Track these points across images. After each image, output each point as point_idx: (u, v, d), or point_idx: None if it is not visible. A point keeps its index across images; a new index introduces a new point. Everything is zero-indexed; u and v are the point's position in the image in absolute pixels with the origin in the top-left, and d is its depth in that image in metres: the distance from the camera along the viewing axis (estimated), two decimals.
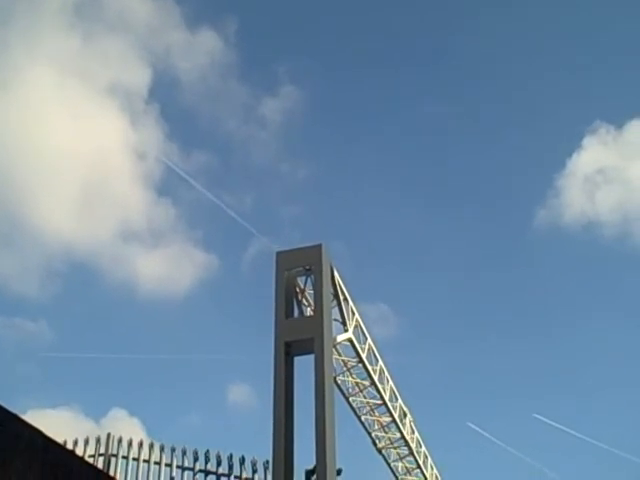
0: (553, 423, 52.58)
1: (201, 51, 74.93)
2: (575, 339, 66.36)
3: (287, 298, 19.20)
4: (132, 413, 53.29)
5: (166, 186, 73.00)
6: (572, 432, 52.72)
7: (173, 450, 24.78)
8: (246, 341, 66.62)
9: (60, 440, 17.29)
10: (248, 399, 64.95)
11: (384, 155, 78.53)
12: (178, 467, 24.54)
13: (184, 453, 24.78)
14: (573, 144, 79.97)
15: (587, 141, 70.70)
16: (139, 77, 68.82)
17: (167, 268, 72.42)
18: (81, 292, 69.48)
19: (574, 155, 74.91)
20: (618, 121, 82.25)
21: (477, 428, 44.56)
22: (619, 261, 71.31)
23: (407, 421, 28.38)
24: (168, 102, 75.84)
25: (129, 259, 69.49)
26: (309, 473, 19.07)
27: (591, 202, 71.14)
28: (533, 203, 79.59)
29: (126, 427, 47.80)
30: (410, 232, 76.46)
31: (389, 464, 29.71)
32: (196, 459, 24.57)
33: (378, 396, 25.10)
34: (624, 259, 70.36)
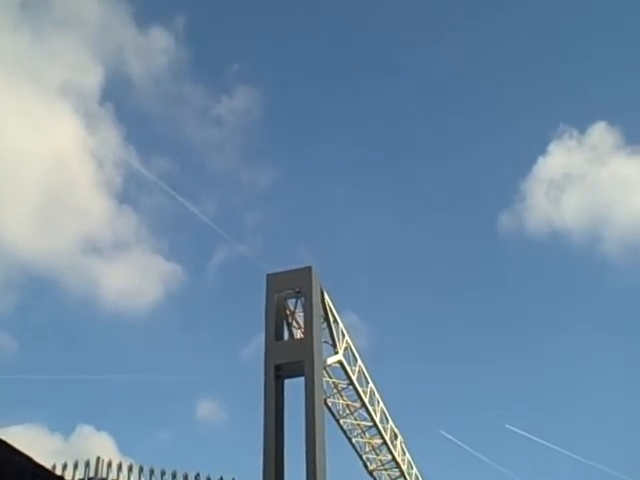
0: (525, 434, 52.74)
1: (153, 50, 72.00)
2: (546, 350, 66.38)
3: (277, 320, 19.24)
4: (99, 428, 52.31)
5: (126, 193, 70.14)
6: (544, 442, 52.79)
7: (163, 474, 24.57)
8: (212, 355, 66.14)
9: (49, 465, 17.18)
10: (217, 414, 64.33)
11: (347, 160, 77.56)
12: None
13: (174, 476, 24.58)
14: (539, 148, 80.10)
15: (552, 146, 71.01)
16: (91, 77, 65.52)
17: (130, 279, 69.36)
18: (40, 306, 66.68)
19: (540, 159, 74.95)
20: (581, 125, 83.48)
21: (450, 436, 44.32)
22: (588, 268, 71.53)
23: (398, 443, 28.29)
24: (122, 103, 73.29)
25: (90, 270, 65.95)
26: None
27: (557, 207, 71.51)
28: (499, 209, 79.69)
29: (96, 443, 47.10)
30: (376, 240, 75.91)
31: None
32: None
33: (369, 418, 25.05)
34: (593, 266, 70.56)
